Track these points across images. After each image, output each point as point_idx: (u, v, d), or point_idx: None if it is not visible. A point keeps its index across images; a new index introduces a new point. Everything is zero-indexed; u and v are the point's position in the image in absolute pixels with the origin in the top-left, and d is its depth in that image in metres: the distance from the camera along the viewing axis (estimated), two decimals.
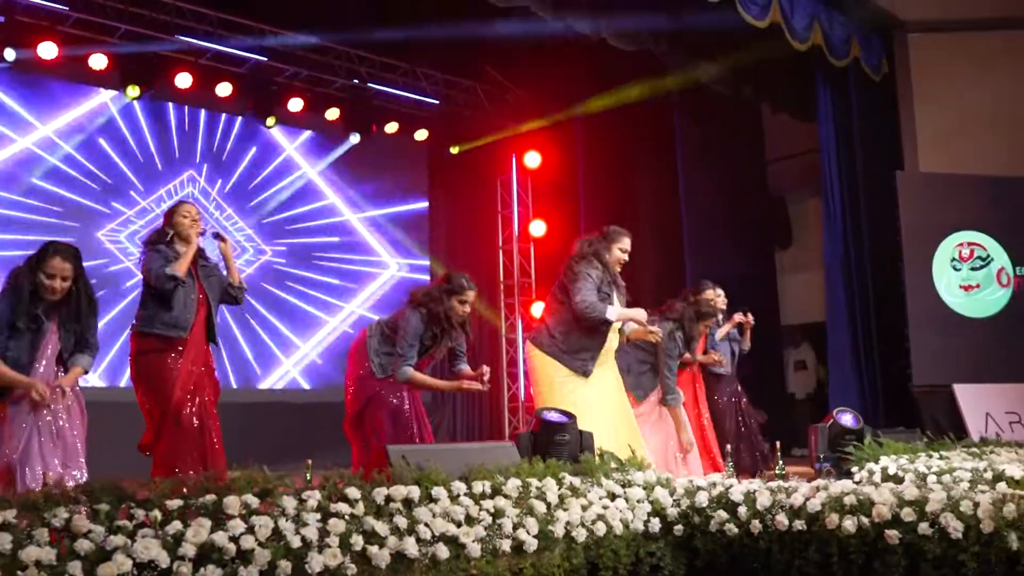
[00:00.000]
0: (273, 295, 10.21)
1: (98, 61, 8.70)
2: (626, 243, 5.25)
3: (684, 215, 9.92)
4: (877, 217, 8.85)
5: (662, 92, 9.44)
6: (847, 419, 5.34)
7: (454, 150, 11.38)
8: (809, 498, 3.30)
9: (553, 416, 3.86)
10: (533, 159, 11.28)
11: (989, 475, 4.40)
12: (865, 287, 8.94)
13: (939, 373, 8.25)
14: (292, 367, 10.35)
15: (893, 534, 3.03)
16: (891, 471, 4.69)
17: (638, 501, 3.65)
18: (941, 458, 5.17)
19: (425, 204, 11.67)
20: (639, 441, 4.90)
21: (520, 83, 11.05)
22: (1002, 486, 3.56)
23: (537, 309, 11.18)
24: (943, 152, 9.04)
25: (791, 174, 10.76)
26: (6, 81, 8.74)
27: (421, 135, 11.12)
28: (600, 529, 3.42)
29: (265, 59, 9.56)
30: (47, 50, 8.33)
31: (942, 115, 9.11)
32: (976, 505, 2.93)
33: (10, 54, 8.20)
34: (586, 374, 4.97)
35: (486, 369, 4.93)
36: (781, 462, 4.98)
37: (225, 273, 4.93)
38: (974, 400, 8.08)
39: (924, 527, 2.98)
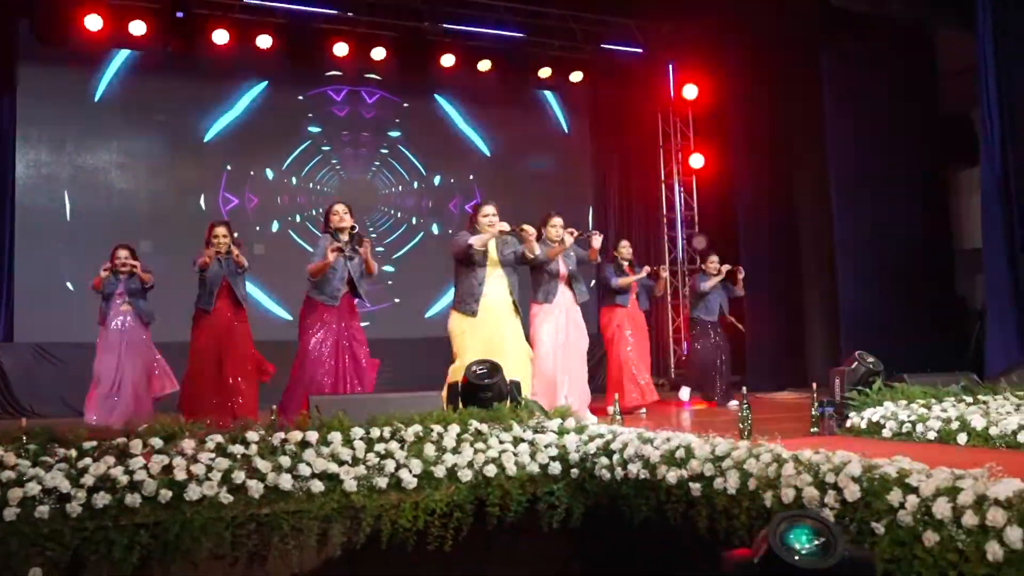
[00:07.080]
0: None
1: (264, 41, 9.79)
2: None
3: (829, 141, 9.52)
4: None
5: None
6: (868, 361, 5.22)
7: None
8: (656, 450, 3.52)
9: (475, 369, 4.28)
10: (691, 91, 11.21)
11: (955, 425, 4.30)
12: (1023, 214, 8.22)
13: None
14: None
15: (696, 487, 3.21)
16: (874, 419, 4.65)
17: (545, 446, 4.02)
18: (978, 404, 4.95)
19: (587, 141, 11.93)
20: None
21: (674, 16, 10.95)
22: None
23: (700, 241, 11.23)
24: None
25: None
26: None
27: (576, 77, 11.29)
28: (491, 471, 3.85)
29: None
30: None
31: None
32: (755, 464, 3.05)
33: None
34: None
35: None
36: None
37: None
38: None
39: (719, 482, 3.13)
